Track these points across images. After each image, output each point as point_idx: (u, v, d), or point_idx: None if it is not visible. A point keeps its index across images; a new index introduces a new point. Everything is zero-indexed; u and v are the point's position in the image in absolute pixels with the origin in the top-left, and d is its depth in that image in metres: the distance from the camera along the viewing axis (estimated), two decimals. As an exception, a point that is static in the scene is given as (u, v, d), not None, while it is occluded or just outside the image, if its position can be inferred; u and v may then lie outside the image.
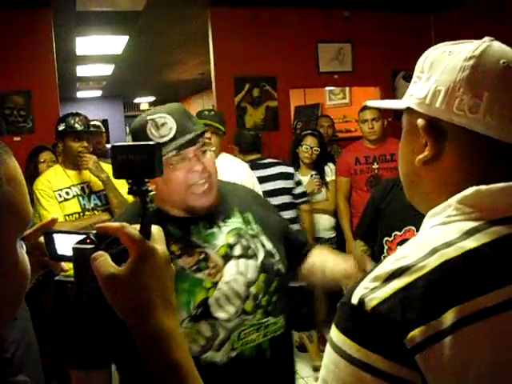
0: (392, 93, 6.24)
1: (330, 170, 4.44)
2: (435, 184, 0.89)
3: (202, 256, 1.53)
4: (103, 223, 0.80)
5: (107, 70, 9.64)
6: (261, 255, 1.62)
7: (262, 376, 1.57)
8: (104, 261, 0.75)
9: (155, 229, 0.80)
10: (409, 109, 0.90)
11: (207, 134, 1.70)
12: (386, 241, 2.61)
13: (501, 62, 0.82)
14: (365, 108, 4.39)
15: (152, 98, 15.86)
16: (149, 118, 1.52)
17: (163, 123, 1.51)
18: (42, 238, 0.91)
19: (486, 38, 0.86)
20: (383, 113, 4.47)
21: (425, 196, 0.92)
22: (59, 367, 1.50)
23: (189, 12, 5.73)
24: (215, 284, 1.51)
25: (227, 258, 1.56)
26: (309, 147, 4.26)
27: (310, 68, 5.87)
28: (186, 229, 1.56)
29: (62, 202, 3.19)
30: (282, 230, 1.79)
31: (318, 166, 4.37)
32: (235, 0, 5.39)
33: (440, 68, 0.86)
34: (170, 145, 1.48)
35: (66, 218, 3.16)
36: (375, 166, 4.31)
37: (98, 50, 7.51)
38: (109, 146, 5.44)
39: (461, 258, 0.75)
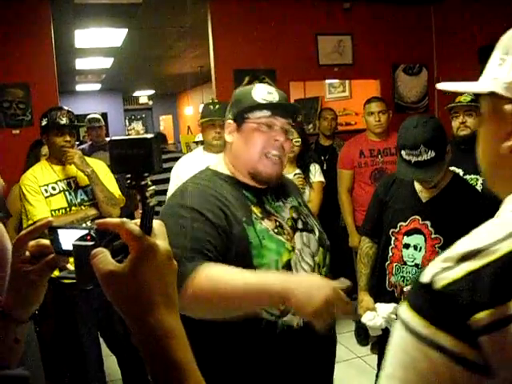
0: (392, 85, 6.22)
1: (315, 169, 4.18)
2: None
3: (278, 223, 1.67)
4: (103, 219, 0.78)
5: (106, 62, 9.61)
6: (317, 231, 1.79)
7: (325, 341, 1.69)
8: (103, 258, 0.73)
9: (157, 224, 0.79)
10: (493, 94, 0.85)
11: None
12: (393, 232, 2.61)
13: None
14: (371, 100, 4.38)
15: (151, 92, 15.83)
16: (258, 83, 1.74)
17: (270, 92, 1.71)
18: (44, 241, 0.89)
19: None
20: (388, 105, 4.46)
21: (509, 182, 0.89)
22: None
23: (188, 4, 5.70)
24: (293, 248, 1.65)
25: (294, 229, 1.71)
26: None
27: (310, 60, 5.84)
28: (259, 196, 1.71)
29: (48, 197, 3.18)
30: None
31: (302, 164, 4.11)
32: (235, -8, 5.37)
33: None
34: (267, 106, 1.66)
35: (53, 213, 3.14)
36: (380, 159, 4.29)
37: (97, 42, 7.48)
38: (108, 139, 5.44)
39: None
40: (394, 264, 2.60)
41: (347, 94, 8.13)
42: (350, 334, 4.46)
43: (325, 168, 4.78)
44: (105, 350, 3.45)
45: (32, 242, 0.91)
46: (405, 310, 0.77)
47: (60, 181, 3.26)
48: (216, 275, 1.44)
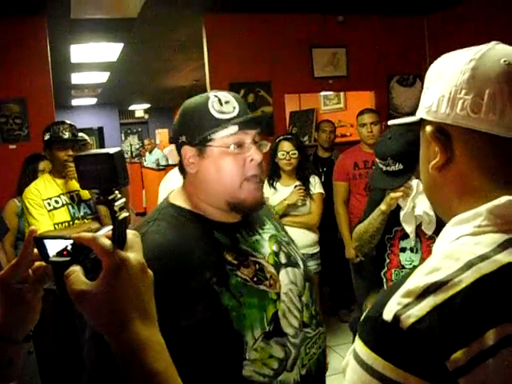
0: (387, 96, 6.26)
1: (315, 181, 4.13)
2: (454, 189, 0.87)
3: (257, 266, 1.40)
4: (78, 234, 0.78)
5: (102, 77, 9.64)
6: (301, 263, 1.54)
7: None
8: (75, 278, 0.73)
9: (131, 234, 0.79)
10: (421, 120, 0.90)
11: None
12: (388, 238, 2.63)
13: (501, 60, 0.81)
14: (363, 112, 4.41)
15: (147, 105, 15.88)
16: (212, 93, 1.41)
17: (227, 101, 1.39)
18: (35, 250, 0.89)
19: (492, 42, 0.86)
20: (381, 117, 4.49)
21: (446, 203, 0.90)
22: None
23: (183, 18, 5.74)
24: (278, 295, 1.40)
25: (277, 266, 1.45)
26: (285, 152, 3.95)
27: (305, 73, 5.88)
28: (232, 236, 1.41)
29: (51, 210, 3.20)
30: None
31: (302, 176, 4.07)
32: (229, 6, 5.40)
33: (444, 75, 0.86)
34: (231, 122, 1.35)
35: (56, 226, 3.17)
36: None
37: (93, 57, 7.50)
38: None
39: (497, 274, 0.72)
40: (393, 270, 2.60)
41: (342, 105, 8.17)
42: (346, 345, 4.45)
43: (323, 180, 4.80)
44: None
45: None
46: (363, 351, 0.73)
47: (63, 194, 3.28)
48: None
